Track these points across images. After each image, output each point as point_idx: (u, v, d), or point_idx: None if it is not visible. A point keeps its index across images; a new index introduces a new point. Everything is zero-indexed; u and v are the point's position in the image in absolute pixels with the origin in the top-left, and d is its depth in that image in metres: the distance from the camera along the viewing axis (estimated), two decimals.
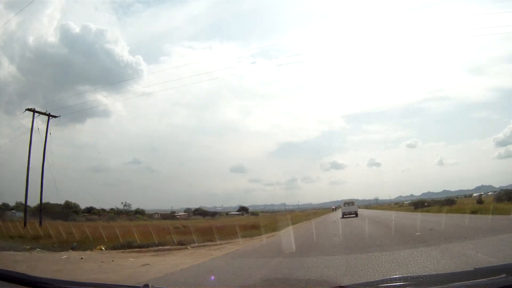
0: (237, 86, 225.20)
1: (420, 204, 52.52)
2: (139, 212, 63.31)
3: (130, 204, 66.82)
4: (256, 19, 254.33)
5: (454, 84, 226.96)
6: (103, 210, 60.75)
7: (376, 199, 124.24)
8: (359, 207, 49.49)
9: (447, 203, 45.99)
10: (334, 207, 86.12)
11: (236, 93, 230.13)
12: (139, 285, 2.82)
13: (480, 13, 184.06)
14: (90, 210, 57.64)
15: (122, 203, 67.28)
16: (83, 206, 58.55)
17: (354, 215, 37.72)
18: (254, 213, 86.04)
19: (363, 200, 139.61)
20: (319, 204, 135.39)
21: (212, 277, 8.00)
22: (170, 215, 67.11)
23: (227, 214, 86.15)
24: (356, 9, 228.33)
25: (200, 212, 76.46)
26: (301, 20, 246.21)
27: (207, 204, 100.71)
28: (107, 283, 6.92)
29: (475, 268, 2.48)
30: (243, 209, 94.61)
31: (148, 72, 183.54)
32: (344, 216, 38.09)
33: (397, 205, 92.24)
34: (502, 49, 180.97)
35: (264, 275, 7.49)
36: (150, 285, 2.70)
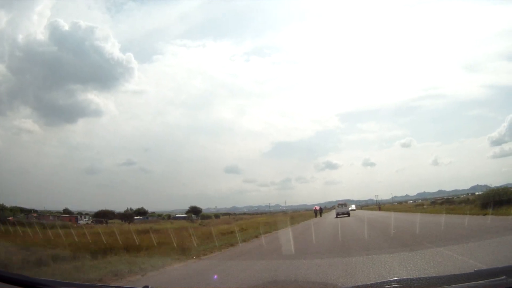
0: (231, 84, 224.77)
1: (496, 202, 23.87)
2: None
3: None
4: (250, 16, 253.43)
5: (449, 81, 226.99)
6: None
7: (376, 199, 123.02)
8: (358, 208, 49.51)
9: None
10: (317, 208, 54.44)
11: (230, 92, 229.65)
12: (139, 287, 2.85)
13: (475, 10, 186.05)
14: None
15: None
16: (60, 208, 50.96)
17: (346, 215, 41.05)
18: (206, 216, 64.30)
19: (358, 201, 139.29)
20: (313, 204, 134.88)
21: (215, 276, 7.83)
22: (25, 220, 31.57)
23: (169, 217, 64.03)
24: (350, 7, 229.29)
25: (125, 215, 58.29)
26: (295, 18, 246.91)
27: (201, 205, 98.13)
28: (107, 284, 6.88)
29: (475, 270, 2.49)
30: (193, 211, 67.77)
31: (141, 70, 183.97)
32: (338, 216, 40.87)
33: (402, 204, 74.06)
34: (498, 45, 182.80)
35: None
36: (150, 286, 2.71)
